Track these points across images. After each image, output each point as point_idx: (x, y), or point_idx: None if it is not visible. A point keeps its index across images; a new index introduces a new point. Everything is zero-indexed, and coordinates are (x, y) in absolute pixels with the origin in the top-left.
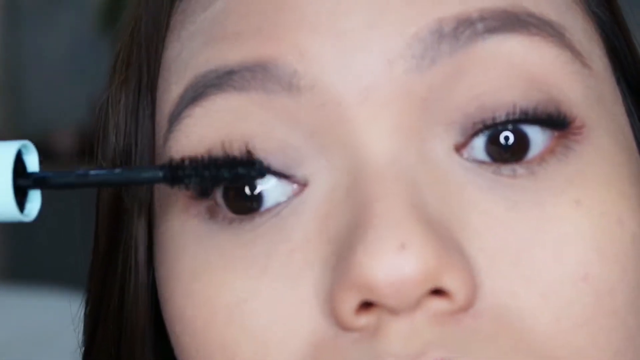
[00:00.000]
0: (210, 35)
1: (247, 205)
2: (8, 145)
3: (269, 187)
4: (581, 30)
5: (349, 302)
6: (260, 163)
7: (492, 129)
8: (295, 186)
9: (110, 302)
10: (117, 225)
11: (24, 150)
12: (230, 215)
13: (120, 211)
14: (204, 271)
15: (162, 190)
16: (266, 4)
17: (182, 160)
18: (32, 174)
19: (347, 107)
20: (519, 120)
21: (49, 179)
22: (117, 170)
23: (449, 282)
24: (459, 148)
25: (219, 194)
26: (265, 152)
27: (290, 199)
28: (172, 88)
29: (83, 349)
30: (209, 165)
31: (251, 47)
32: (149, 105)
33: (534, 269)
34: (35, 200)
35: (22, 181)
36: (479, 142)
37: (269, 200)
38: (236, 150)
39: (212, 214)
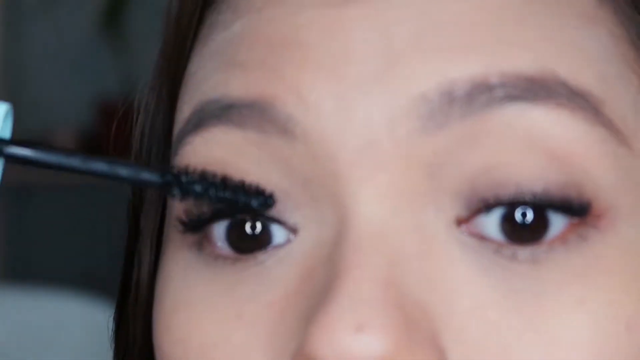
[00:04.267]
0: (222, 60)
1: (252, 245)
2: None
3: (277, 229)
4: (630, 103)
5: None
6: (271, 196)
7: (507, 205)
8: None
9: (124, 317)
10: (134, 241)
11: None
12: (219, 251)
13: (138, 228)
14: (183, 306)
15: (168, 213)
16: (274, 35)
17: (187, 169)
18: (22, 142)
19: (341, 163)
20: (534, 202)
21: (34, 151)
22: (111, 164)
23: None
24: (462, 222)
25: (215, 227)
26: None
27: (278, 246)
28: (183, 108)
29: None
30: (215, 183)
31: (253, 82)
32: (165, 120)
33: None
34: None
35: (17, 150)
36: (492, 218)
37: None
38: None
39: (201, 246)
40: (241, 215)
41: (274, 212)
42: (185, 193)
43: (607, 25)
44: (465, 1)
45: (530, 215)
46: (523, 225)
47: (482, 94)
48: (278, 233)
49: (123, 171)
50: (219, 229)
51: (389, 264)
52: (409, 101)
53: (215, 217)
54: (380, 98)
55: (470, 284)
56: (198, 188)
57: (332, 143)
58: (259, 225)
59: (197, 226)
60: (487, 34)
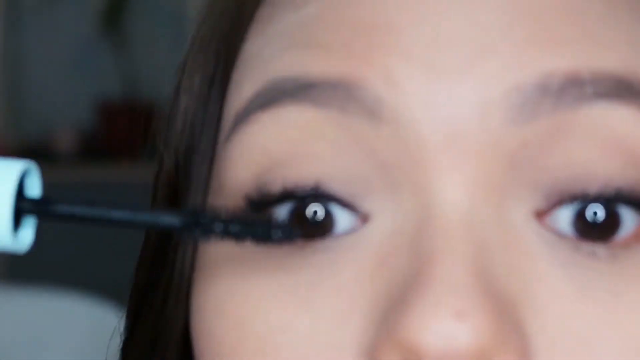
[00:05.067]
0: (297, 40)
1: (313, 231)
2: (11, 163)
3: (340, 215)
4: None
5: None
6: (292, 229)
7: (580, 201)
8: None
9: (152, 301)
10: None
11: (26, 172)
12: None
13: (176, 206)
14: (239, 292)
15: (218, 192)
16: (360, 19)
17: (207, 210)
18: (33, 198)
19: (429, 148)
20: (610, 198)
21: (53, 207)
22: (132, 212)
23: None
24: (539, 215)
25: (276, 212)
26: (331, 177)
27: (347, 232)
28: (245, 86)
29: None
30: (235, 221)
31: (337, 63)
32: (219, 97)
33: None
34: (29, 228)
35: (23, 204)
36: (565, 214)
37: (339, 228)
38: (299, 177)
39: None
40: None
41: (347, 196)
42: (206, 233)
43: None
44: None
45: (601, 214)
46: (594, 223)
47: (574, 89)
48: (341, 219)
49: (142, 218)
50: (280, 215)
51: (476, 253)
52: (502, 91)
53: (286, 198)
54: (473, 87)
55: (550, 276)
56: (219, 227)
57: (421, 128)
58: (321, 211)
59: (263, 205)
60: (575, 29)
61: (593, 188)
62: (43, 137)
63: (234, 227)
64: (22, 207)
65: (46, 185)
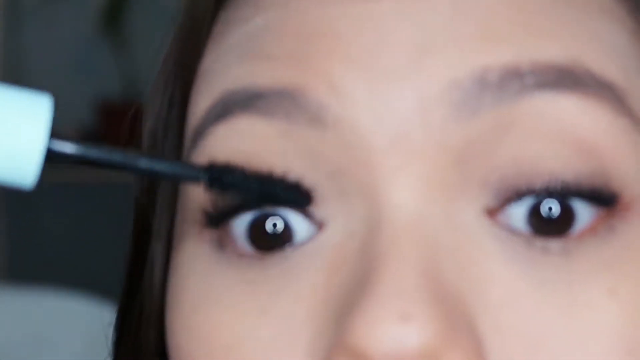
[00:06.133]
0: (246, 52)
1: (272, 243)
2: (38, 97)
3: (299, 225)
4: None
5: None
6: (308, 193)
7: (532, 196)
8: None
9: (131, 320)
10: (143, 241)
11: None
12: (240, 249)
13: (146, 228)
14: (204, 305)
15: (182, 210)
16: (305, 28)
17: (229, 166)
18: (69, 140)
19: (373, 150)
20: (559, 192)
21: (81, 149)
22: (161, 161)
23: None
24: (491, 213)
25: (235, 225)
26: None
27: (305, 241)
28: (199, 101)
29: None
30: (256, 179)
31: (282, 72)
32: (180, 117)
33: (551, 358)
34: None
35: (59, 145)
36: (519, 210)
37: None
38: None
39: (221, 244)
40: (266, 208)
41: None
42: (227, 188)
43: (623, 21)
44: None
45: (556, 209)
46: (549, 219)
47: (514, 81)
48: (300, 229)
49: (164, 168)
50: (239, 228)
51: (425, 254)
52: (441, 87)
53: (241, 208)
54: (413, 85)
55: (503, 274)
56: (239, 182)
57: (364, 131)
58: (280, 223)
59: (221, 219)
60: (516, 24)
61: (538, 182)
62: None
63: (255, 185)
64: (59, 148)
65: (46, 184)
